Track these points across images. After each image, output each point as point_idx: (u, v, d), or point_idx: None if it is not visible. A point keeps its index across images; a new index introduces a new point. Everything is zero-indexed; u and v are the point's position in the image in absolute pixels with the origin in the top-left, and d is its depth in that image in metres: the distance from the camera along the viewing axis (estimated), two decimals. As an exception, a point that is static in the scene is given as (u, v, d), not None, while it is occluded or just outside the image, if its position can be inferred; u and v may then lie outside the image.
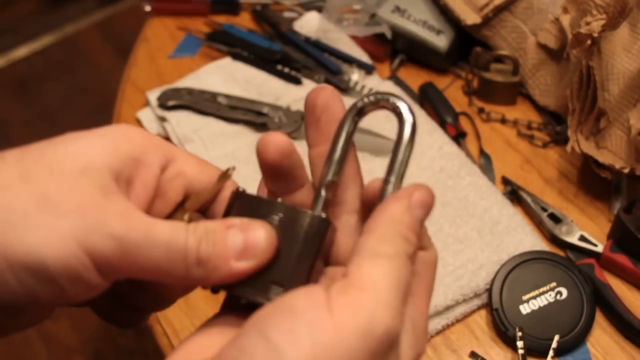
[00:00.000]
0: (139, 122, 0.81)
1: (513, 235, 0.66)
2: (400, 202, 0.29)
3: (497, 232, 0.66)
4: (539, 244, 0.65)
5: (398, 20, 0.84)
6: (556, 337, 0.58)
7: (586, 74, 0.67)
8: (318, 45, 0.86)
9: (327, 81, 0.83)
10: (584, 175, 0.73)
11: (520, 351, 0.58)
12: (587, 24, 0.65)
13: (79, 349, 1.46)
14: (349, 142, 0.33)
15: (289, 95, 0.82)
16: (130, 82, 0.87)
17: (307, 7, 0.93)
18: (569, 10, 0.74)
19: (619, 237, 0.64)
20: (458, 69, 0.86)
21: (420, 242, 0.30)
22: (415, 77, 0.85)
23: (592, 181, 0.72)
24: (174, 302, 0.36)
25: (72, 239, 0.27)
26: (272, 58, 0.85)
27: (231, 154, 0.76)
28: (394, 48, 0.87)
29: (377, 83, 0.84)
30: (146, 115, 0.81)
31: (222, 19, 0.94)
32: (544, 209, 0.69)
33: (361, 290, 0.26)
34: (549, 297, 0.61)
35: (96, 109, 1.86)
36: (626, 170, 0.65)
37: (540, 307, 0.60)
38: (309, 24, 0.89)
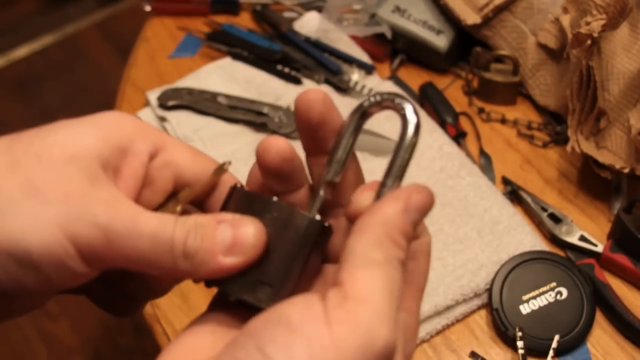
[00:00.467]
0: (139, 122, 0.81)
1: (513, 235, 0.66)
2: (395, 204, 0.28)
3: (497, 232, 0.66)
4: (539, 244, 0.65)
5: (398, 20, 0.84)
6: (556, 337, 0.58)
7: (586, 74, 0.67)
8: (318, 45, 0.86)
9: (327, 81, 0.83)
10: (584, 175, 0.73)
11: (520, 351, 0.58)
12: (587, 24, 0.65)
13: (79, 349, 1.46)
14: (352, 143, 0.32)
15: (289, 95, 0.82)
16: (130, 82, 0.87)
17: (307, 7, 0.93)
18: (569, 10, 0.74)
19: (619, 237, 0.64)
20: (458, 69, 0.86)
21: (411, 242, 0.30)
22: (415, 77, 0.85)
23: (592, 181, 0.72)
24: (167, 291, 0.36)
25: (57, 227, 0.27)
26: (272, 58, 0.85)
27: (231, 154, 0.76)
28: (394, 48, 0.87)
29: (377, 83, 0.84)
30: (146, 115, 0.81)
31: (222, 19, 0.94)
32: (544, 209, 0.69)
33: (358, 303, 0.25)
34: (549, 297, 0.61)
35: (96, 109, 1.83)
36: (626, 170, 0.65)
37: (540, 307, 0.60)
38: (309, 24, 0.89)
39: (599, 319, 0.62)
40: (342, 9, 0.89)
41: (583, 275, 0.62)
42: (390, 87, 0.82)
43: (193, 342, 0.29)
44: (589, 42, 0.65)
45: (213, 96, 0.80)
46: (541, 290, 0.61)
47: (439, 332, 0.62)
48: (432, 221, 0.67)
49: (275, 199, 0.31)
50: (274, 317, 0.25)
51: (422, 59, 0.86)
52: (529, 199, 0.70)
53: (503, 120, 0.80)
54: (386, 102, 0.32)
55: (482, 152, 0.76)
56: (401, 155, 0.31)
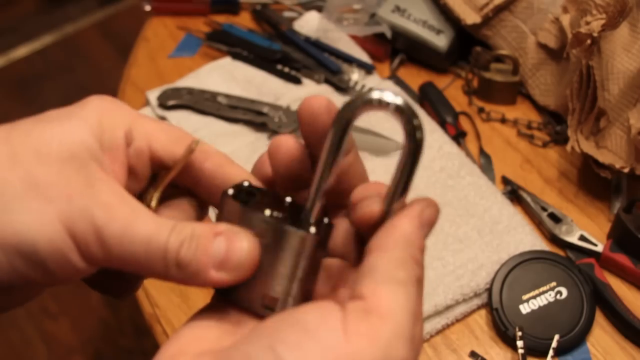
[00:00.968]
0: (139, 122, 0.81)
1: (513, 234, 0.66)
2: (412, 221, 0.29)
3: (497, 231, 0.66)
4: (539, 244, 0.65)
5: (398, 20, 0.84)
6: (556, 337, 0.58)
7: (586, 73, 0.67)
8: (318, 44, 0.86)
9: (327, 81, 0.83)
10: (584, 175, 0.73)
11: (520, 351, 0.58)
12: (587, 23, 0.65)
13: (79, 349, 1.46)
14: (339, 144, 0.30)
15: (289, 95, 0.82)
16: (130, 82, 0.87)
17: (307, 7, 0.93)
18: (569, 10, 0.74)
19: (619, 236, 0.64)
20: (458, 69, 0.86)
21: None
22: (415, 77, 0.85)
23: (592, 181, 0.72)
24: None
25: (59, 223, 0.27)
26: (272, 58, 0.85)
27: (231, 153, 0.75)
28: (394, 48, 0.87)
29: (377, 83, 0.84)
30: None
31: (222, 19, 0.94)
32: (544, 209, 0.69)
33: (380, 319, 0.26)
34: (549, 297, 0.61)
35: (96, 108, 1.86)
36: (626, 170, 0.65)
37: (540, 307, 0.60)
38: (309, 23, 0.89)
39: (599, 318, 0.62)
40: (342, 9, 0.89)
41: (583, 274, 0.62)
42: (390, 86, 0.82)
43: (198, 333, 0.29)
44: (588, 41, 0.65)
45: (213, 96, 0.80)
46: (541, 289, 0.61)
47: (439, 332, 0.62)
48: (432, 221, 0.67)
49: (268, 212, 0.30)
50: (290, 318, 0.26)
51: (422, 58, 0.86)
52: (528, 199, 0.70)
53: (503, 120, 0.80)
54: (383, 106, 0.29)
55: (482, 152, 0.76)
56: (408, 164, 0.29)
